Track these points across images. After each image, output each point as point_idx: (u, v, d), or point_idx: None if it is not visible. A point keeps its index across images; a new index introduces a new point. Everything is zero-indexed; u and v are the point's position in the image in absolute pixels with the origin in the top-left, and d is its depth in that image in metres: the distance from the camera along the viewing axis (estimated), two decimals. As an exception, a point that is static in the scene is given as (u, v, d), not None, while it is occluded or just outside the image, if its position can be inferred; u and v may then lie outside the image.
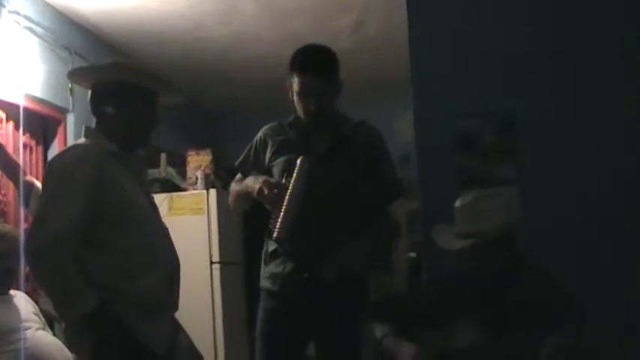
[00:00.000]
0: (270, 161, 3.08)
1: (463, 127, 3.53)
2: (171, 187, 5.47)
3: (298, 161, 2.86)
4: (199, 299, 5.04)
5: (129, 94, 2.68)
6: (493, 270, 2.72)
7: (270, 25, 5.44)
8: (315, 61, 3.00)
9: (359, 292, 3.07)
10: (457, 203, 2.79)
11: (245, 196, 3.08)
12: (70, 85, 4.57)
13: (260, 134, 3.17)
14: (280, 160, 3.04)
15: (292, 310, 3.01)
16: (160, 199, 5.22)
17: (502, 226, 2.67)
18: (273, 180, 2.94)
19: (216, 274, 5.14)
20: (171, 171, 5.66)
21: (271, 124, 3.18)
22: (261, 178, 2.95)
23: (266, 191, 2.89)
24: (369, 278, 3.14)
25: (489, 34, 3.57)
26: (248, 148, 3.22)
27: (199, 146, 5.71)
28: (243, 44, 5.62)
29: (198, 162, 5.55)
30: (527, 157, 3.45)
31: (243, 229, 5.58)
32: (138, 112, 2.71)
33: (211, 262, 5.14)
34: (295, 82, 2.99)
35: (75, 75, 2.91)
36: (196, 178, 5.48)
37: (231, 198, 3.21)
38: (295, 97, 3.02)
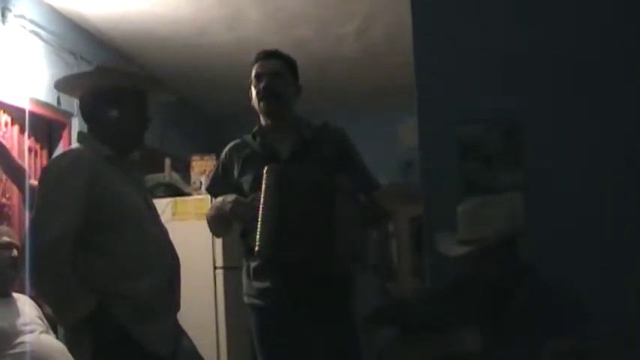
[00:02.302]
0: (238, 179, 3.10)
1: (467, 133, 3.53)
2: (175, 192, 5.47)
3: (264, 172, 2.86)
4: (202, 304, 5.04)
5: (117, 96, 2.69)
6: (495, 276, 2.72)
7: (274, 30, 5.44)
8: (267, 50, 3.18)
9: (346, 294, 3.10)
10: (459, 209, 2.79)
11: (221, 218, 3.08)
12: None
13: (224, 154, 3.20)
14: (248, 175, 3.06)
15: (286, 323, 3.01)
16: (164, 204, 5.22)
17: (503, 233, 2.67)
18: (243, 199, 2.95)
19: (220, 279, 5.13)
20: (176, 176, 5.66)
21: (234, 142, 3.22)
22: (230, 197, 2.97)
23: (238, 209, 2.92)
24: (354, 276, 3.17)
25: (493, 40, 3.58)
26: (215, 170, 3.27)
27: (203, 151, 5.72)
28: (248, 50, 5.58)
29: (202, 167, 5.55)
30: (531, 163, 3.45)
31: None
32: (129, 113, 2.70)
33: (215, 267, 5.14)
34: (252, 74, 3.13)
35: (62, 85, 2.89)
36: (200, 183, 5.48)
37: (210, 225, 3.19)
38: (252, 90, 3.12)
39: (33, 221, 2.55)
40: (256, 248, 2.83)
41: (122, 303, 2.51)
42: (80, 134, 2.76)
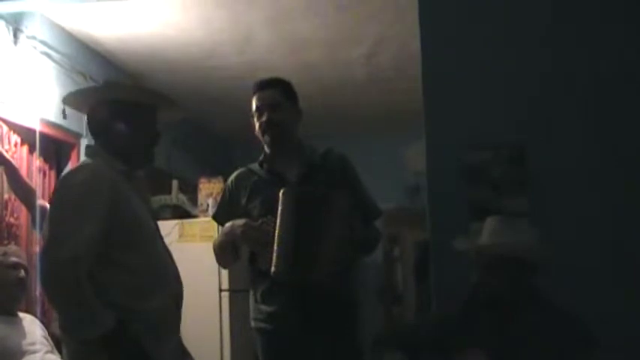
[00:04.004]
0: (246, 206, 3.11)
1: (474, 158, 3.53)
2: (182, 213, 5.49)
3: (280, 194, 2.88)
4: (208, 326, 5.04)
5: (127, 111, 2.66)
6: (502, 293, 2.73)
7: (284, 54, 5.49)
8: (263, 80, 3.20)
9: (353, 318, 3.11)
10: (486, 220, 2.88)
11: (229, 245, 3.08)
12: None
13: (230, 182, 3.23)
14: (257, 201, 3.08)
15: (294, 347, 3.01)
16: (171, 226, 5.24)
17: (524, 248, 2.70)
18: (254, 222, 2.96)
19: (225, 301, 5.14)
20: (183, 198, 5.68)
21: (239, 170, 3.26)
22: (240, 221, 2.98)
23: (250, 233, 2.93)
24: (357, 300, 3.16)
25: (501, 66, 3.59)
26: (221, 198, 3.30)
27: (211, 174, 5.74)
28: (257, 73, 5.62)
29: (209, 189, 5.57)
30: (538, 189, 3.45)
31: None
32: (138, 129, 2.68)
33: (220, 290, 5.14)
34: (252, 105, 3.15)
35: (71, 99, 2.83)
36: (207, 206, 5.50)
37: (216, 254, 3.19)
38: (255, 121, 3.15)
39: (52, 235, 2.47)
40: (272, 269, 2.84)
41: (136, 320, 2.48)
42: (90, 148, 2.73)
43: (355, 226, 2.99)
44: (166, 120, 2.89)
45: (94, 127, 2.71)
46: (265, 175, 3.15)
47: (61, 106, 4.57)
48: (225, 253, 3.15)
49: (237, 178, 3.23)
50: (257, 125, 3.15)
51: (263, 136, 3.14)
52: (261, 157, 3.20)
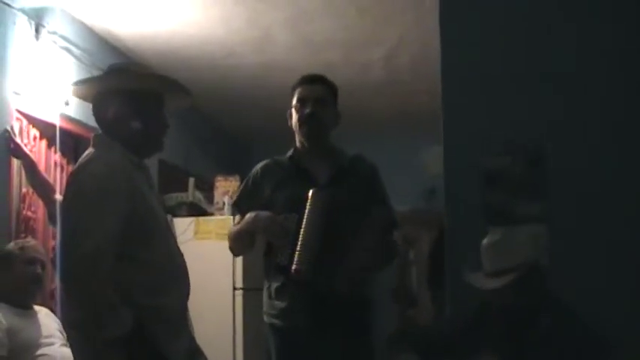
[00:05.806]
0: (269, 197, 3.09)
1: (491, 162, 3.52)
2: (197, 211, 5.51)
3: (310, 194, 2.88)
4: (221, 325, 5.05)
5: (133, 100, 2.58)
6: (520, 304, 2.72)
7: (303, 55, 5.48)
8: (312, 75, 3.20)
9: (367, 320, 3.11)
10: (484, 242, 2.79)
11: (247, 234, 3.07)
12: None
13: (256, 171, 3.20)
14: (281, 195, 3.06)
15: (306, 344, 3.00)
16: (187, 223, 5.26)
17: (529, 262, 2.68)
18: (278, 217, 2.95)
19: (239, 300, 5.15)
20: (199, 195, 5.71)
21: (266, 161, 3.23)
22: (265, 214, 2.97)
23: (273, 227, 2.92)
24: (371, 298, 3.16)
25: (520, 70, 3.58)
26: (243, 186, 3.24)
27: (228, 172, 5.76)
28: (276, 73, 5.69)
29: (226, 187, 5.60)
30: (556, 194, 3.44)
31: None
32: (145, 118, 2.60)
33: (234, 288, 5.16)
34: (294, 97, 3.13)
35: (76, 88, 2.75)
36: (223, 204, 5.53)
37: (231, 240, 3.18)
38: (293, 113, 3.13)
39: (72, 229, 2.39)
40: (293, 267, 2.83)
41: (152, 319, 2.41)
42: (97, 138, 2.63)
43: (391, 243, 2.99)
44: (175, 107, 2.82)
45: (99, 117, 2.64)
46: (293, 170, 3.12)
47: (80, 102, 4.60)
48: (241, 241, 3.14)
49: (263, 169, 3.19)
50: (296, 117, 3.11)
51: (300, 128, 3.10)
52: (290, 152, 3.17)
